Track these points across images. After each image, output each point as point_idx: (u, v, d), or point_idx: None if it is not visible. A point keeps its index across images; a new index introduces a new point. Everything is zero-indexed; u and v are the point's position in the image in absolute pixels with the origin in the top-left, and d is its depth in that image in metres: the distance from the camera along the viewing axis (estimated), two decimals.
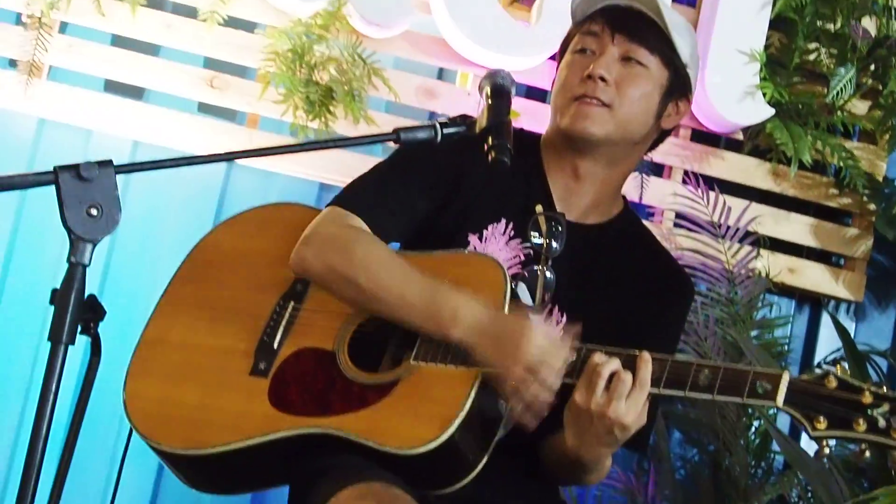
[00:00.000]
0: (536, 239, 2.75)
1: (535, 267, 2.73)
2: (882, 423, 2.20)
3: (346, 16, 4.44)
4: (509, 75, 2.53)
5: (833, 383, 2.27)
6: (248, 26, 4.54)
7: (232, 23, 4.46)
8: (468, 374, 2.48)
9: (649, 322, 2.78)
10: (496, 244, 2.75)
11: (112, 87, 4.47)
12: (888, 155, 4.87)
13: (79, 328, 2.02)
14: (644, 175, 4.65)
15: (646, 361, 2.42)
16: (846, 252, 4.87)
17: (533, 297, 2.70)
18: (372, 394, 2.53)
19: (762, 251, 4.71)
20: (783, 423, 4.61)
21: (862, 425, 2.21)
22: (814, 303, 4.95)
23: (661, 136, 2.92)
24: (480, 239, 2.76)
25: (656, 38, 2.76)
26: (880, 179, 4.85)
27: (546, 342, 2.46)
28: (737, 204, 4.71)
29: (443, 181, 2.79)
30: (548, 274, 2.73)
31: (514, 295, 2.60)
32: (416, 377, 2.52)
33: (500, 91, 2.48)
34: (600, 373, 2.41)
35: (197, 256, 2.90)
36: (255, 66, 4.45)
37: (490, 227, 2.76)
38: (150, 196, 4.45)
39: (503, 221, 2.77)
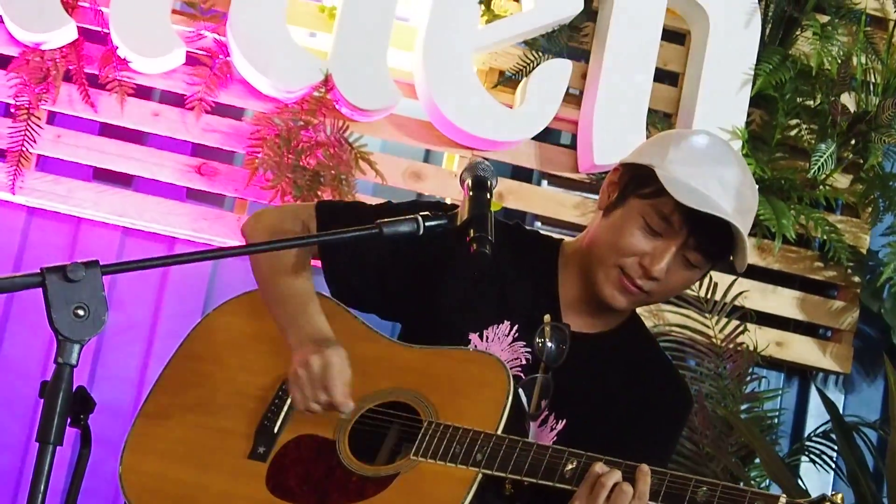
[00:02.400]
0: (539, 346, 2.71)
1: (535, 374, 2.71)
2: None
3: (332, 101, 4.49)
4: (490, 167, 2.52)
5: None
6: (236, 113, 4.59)
7: (219, 110, 4.51)
8: (467, 475, 2.47)
9: (646, 432, 2.76)
10: (498, 345, 2.74)
11: (101, 175, 4.51)
12: (871, 228, 4.92)
13: (69, 421, 2.03)
14: None
15: (645, 474, 2.41)
16: (833, 324, 4.90)
17: (529, 402, 2.70)
18: (370, 487, 2.53)
19: (749, 325, 4.74)
20: None
21: None
22: (802, 375, 4.98)
23: None
24: (482, 338, 2.75)
25: (721, 250, 2.64)
26: (864, 252, 4.89)
27: (334, 369, 2.58)
28: (723, 279, 4.73)
29: (412, 256, 2.79)
30: (546, 381, 2.70)
31: (517, 397, 2.58)
32: (415, 473, 2.51)
33: (480, 183, 2.47)
34: (604, 483, 2.40)
35: (200, 336, 2.91)
36: (243, 152, 4.49)
37: (492, 328, 2.76)
38: (139, 285, 4.48)
39: (507, 324, 2.76)
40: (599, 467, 2.42)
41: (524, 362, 2.74)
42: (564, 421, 2.72)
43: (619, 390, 2.79)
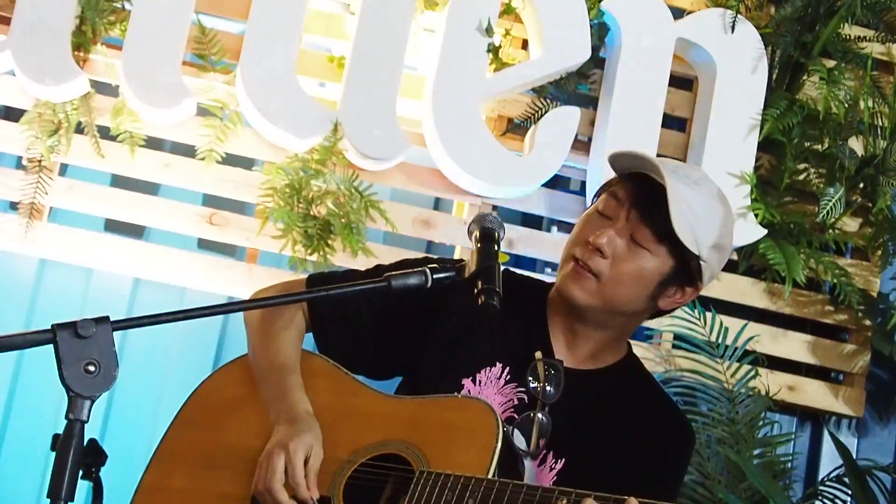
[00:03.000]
0: (533, 384, 2.72)
1: (531, 413, 2.72)
2: None
3: (342, 150, 4.51)
4: (497, 218, 2.55)
5: None
6: (246, 163, 4.61)
7: (230, 160, 4.54)
8: None
9: (647, 469, 2.74)
10: (491, 388, 2.75)
11: (112, 226, 4.54)
12: (881, 271, 4.93)
13: (81, 473, 2.03)
14: None
15: None
16: (844, 368, 4.90)
17: (528, 442, 2.70)
18: None
19: (761, 370, 4.74)
20: None
21: None
22: (815, 419, 4.97)
23: (660, 312, 2.84)
24: (475, 383, 2.76)
25: (669, 227, 2.61)
26: (874, 295, 4.90)
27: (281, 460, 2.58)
28: (734, 324, 4.74)
29: (404, 311, 2.81)
30: (543, 419, 2.71)
31: (507, 440, 2.58)
32: None
33: (488, 235, 2.50)
34: None
35: (195, 402, 2.91)
36: (254, 202, 4.52)
37: (484, 371, 2.76)
38: (152, 335, 4.49)
39: (498, 366, 2.76)
40: (589, 502, 2.40)
41: (517, 402, 2.74)
42: (563, 460, 2.72)
43: (617, 427, 2.77)
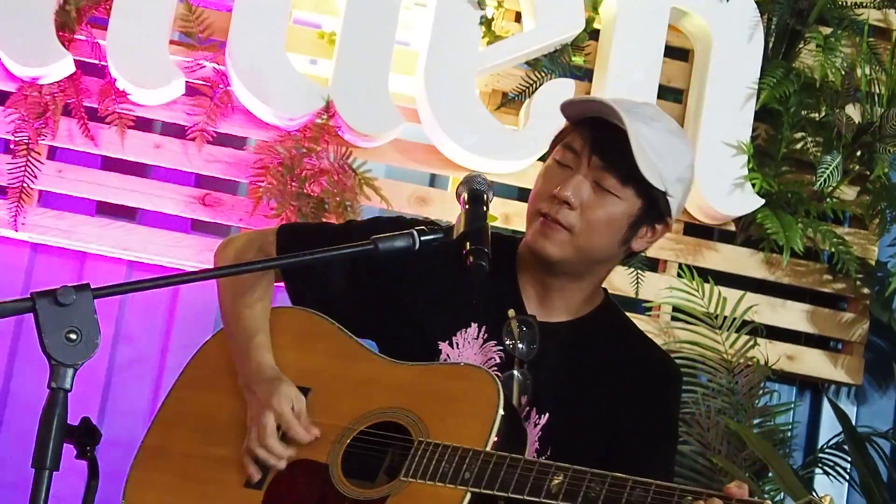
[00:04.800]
0: (509, 343, 2.71)
1: (511, 371, 2.70)
2: None
3: (334, 127, 4.48)
4: (486, 180, 2.54)
5: None
6: (238, 142, 4.58)
7: (221, 140, 4.50)
8: (456, 493, 2.46)
9: (636, 413, 2.74)
10: (470, 350, 2.74)
11: (104, 209, 4.50)
12: (879, 239, 4.91)
13: (76, 452, 2.01)
14: (639, 270, 4.66)
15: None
16: (843, 336, 4.88)
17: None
18: None
19: (760, 340, 4.72)
20: None
21: None
22: (814, 388, 4.96)
23: (633, 254, 2.84)
24: (452, 346, 2.75)
25: (632, 168, 2.61)
26: (872, 263, 4.88)
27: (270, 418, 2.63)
28: (732, 294, 4.72)
29: (372, 276, 2.80)
30: (521, 377, 2.69)
31: (510, 410, 2.56)
32: (405, 494, 2.50)
33: (476, 196, 2.49)
34: None
35: (197, 364, 2.91)
36: (246, 182, 4.49)
37: (460, 334, 2.75)
38: (148, 314, 4.47)
39: (474, 326, 2.75)
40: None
41: (498, 361, 2.73)
42: (547, 414, 2.71)
43: (600, 376, 2.76)
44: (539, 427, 2.70)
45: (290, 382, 2.68)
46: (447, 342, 2.74)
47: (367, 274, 2.80)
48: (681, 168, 2.70)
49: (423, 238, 2.35)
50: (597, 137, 2.67)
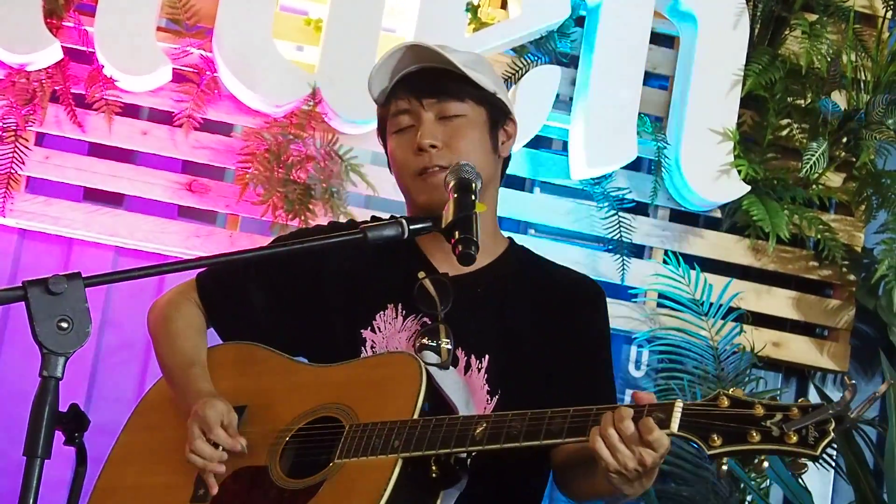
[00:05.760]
0: (426, 306, 2.75)
1: (433, 327, 2.74)
2: (776, 431, 2.20)
3: (321, 114, 4.49)
4: (473, 169, 2.57)
5: (725, 402, 2.26)
6: (225, 129, 4.58)
7: (208, 126, 4.51)
8: (388, 462, 2.49)
9: (567, 337, 2.79)
10: (393, 329, 2.78)
11: (91, 195, 4.50)
12: (865, 225, 4.92)
13: (64, 439, 2.02)
14: (625, 257, 4.67)
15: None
16: (829, 323, 4.89)
17: (440, 356, 2.71)
18: (301, 497, 2.56)
19: (746, 326, 4.73)
20: (776, 498, 4.60)
21: (756, 437, 2.21)
22: (800, 375, 4.97)
23: (505, 163, 2.95)
24: (373, 331, 2.79)
25: (458, 86, 2.77)
26: (858, 250, 4.89)
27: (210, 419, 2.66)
28: (718, 281, 4.73)
29: (290, 287, 2.86)
30: (442, 325, 2.73)
31: (431, 382, 2.60)
32: (340, 474, 2.55)
33: (464, 185, 2.51)
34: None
35: (143, 405, 2.98)
36: (233, 168, 4.48)
37: (379, 317, 2.80)
38: (135, 301, 4.47)
39: (390, 308, 2.79)
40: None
41: (421, 328, 2.77)
42: (487, 357, 2.74)
43: (529, 308, 2.81)
44: (483, 371, 2.73)
45: (225, 401, 2.72)
46: (368, 328, 2.79)
47: (283, 279, 2.86)
48: (491, 73, 2.86)
49: (412, 227, 2.39)
50: (415, 85, 2.78)
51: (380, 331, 2.78)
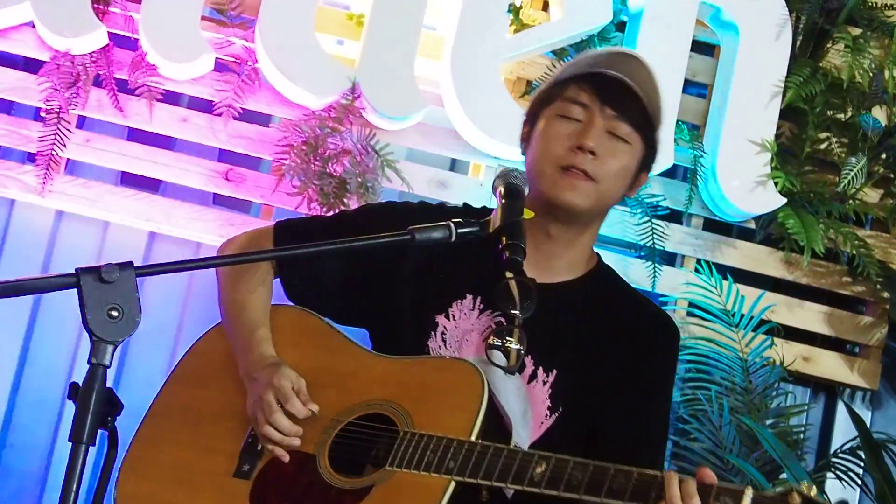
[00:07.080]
0: (506, 306, 2.73)
1: (509, 332, 2.73)
2: None
3: (359, 108, 4.49)
4: (522, 174, 2.57)
5: (797, 500, 2.21)
6: (263, 119, 4.59)
7: (247, 116, 4.52)
8: (440, 483, 2.48)
9: (634, 367, 2.79)
10: (467, 321, 2.78)
11: (129, 180, 4.52)
12: None
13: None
14: (657, 264, 4.66)
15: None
16: (861, 340, 4.87)
17: (508, 359, 2.71)
18: (348, 499, 2.56)
19: (776, 340, 4.71)
20: None
21: None
22: (829, 391, 4.94)
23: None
24: (448, 318, 2.79)
25: (641, 116, 2.76)
26: (894, 267, 4.86)
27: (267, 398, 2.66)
28: (750, 292, 4.72)
29: (369, 258, 2.84)
30: (518, 341, 2.71)
31: (492, 401, 2.57)
32: (390, 483, 2.53)
33: (513, 191, 2.51)
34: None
35: (189, 360, 2.97)
36: (270, 159, 4.50)
37: (455, 305, 2.80)
38: (166, 285, 4.48)
39: (468, 297, 2.80)
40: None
41: (495, 327, 2.76)
42: (555, 371, 2.74)
43: (603, 332, 2.81)
44: (548, 385, 2.74)
45: (290, 367, 2.72)
46: (443, 314, 2.79)
47: (363, 259, 2.85)
48: (661, 119, 2.84)
49: (459, 231, 2.39)
50: (604, 88, 2.75)
51: (454, 318, 2.78)
